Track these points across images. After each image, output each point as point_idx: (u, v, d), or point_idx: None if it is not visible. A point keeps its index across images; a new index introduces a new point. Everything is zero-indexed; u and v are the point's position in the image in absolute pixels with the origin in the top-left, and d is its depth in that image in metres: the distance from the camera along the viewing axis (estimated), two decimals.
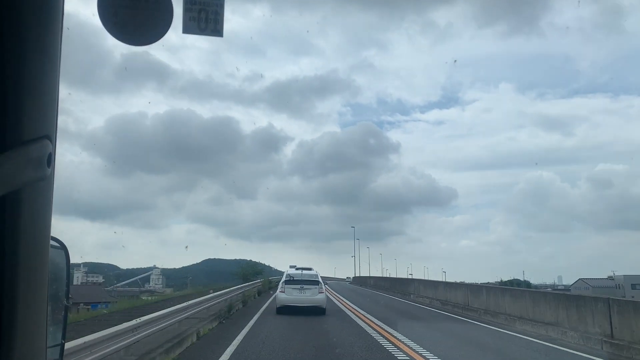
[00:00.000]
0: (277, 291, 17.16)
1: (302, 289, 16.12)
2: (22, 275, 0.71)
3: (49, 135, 0.75)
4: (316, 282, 16.52)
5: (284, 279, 17.06)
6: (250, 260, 47.59)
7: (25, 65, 0.71)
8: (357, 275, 78.57)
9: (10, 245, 0.69)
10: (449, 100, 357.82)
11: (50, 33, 0.76)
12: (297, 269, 17.78)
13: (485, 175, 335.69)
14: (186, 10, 2.82)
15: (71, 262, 1.08)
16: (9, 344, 0.68)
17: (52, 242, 0.85)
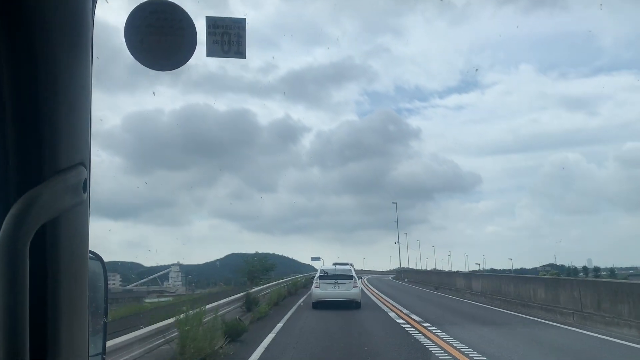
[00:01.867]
0: (312, 287, 17.98)
1: (336, 283, 16.74)
2: (64, 294, 0.75)
3: (83, 162, 0.79)
4: (350, 277, 17.15)
5: (318, 274, 17.87)
6: (258, 253, 39.04)
7: (59, 95, 0.75)
8: (400, 266, 69.28)
9: (52, 268, 0.74)
10: (468, 84, 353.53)
11: (81, 61, 0.79)
12: (334, 264, 19.23)
13: (509, 159, 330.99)
14: (209, 34, 2.89)
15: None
16: (53, 355, 0.72)
17: (90, 256, 0.90)
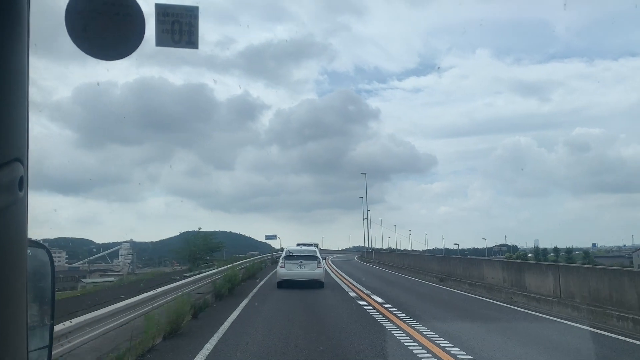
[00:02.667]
0: (278, 266, 18.60)
1: (301, 264, 17.49)
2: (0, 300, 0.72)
3: (19, 158, 0.74)
4: (315, 258, 17.92)
5: (283, 254, 18.46)
6: (201, 231, 33.28)
7: None
8: (367, 245, 65.25)
9: None
10: (426, 67, 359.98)
11: (15, 46, 0.74)
12: (298, 245, 19.42)
13: (463, 142, 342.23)
14: (159, 22, 2.74)
15: (40, 239, 1.10)
16: None
17: (34, 248, 0.86)
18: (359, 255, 68.15)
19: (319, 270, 17.75)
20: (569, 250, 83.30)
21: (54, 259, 1.07)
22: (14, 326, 0.75)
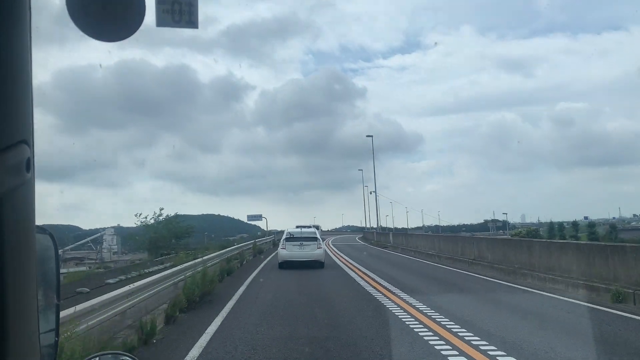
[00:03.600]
0: (279, 248, 19.36)
1: (301, 245, 18.38)
2: (10, 277, 0.73)
3: (26, 140, 0.75)
4: (315, 239, 18.85)
5: (284, 236, 19.21)
6: (175, 215, 30.07)
7: None
8: (367, 225, 62.08)
9: None
10: (410, 45, 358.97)
11: (18, 34, 0.75)
12: (298, 227, 20.42)
13: (449, 120, 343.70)
14: (159, 2, 2.68)
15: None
16: (1, 337, 0.71)
17: (39, 231, 0.88)
18: (360, 235, 63.21)
19: (319, 251, 18.54)
20: (591, 224, 71.82)
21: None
22: (26, 309, 0.77)
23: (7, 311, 0.72)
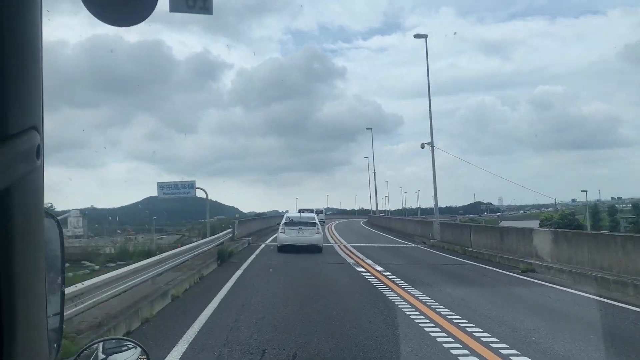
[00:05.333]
0: (278, 232, 19.96)
1: (300, 230, 18.87)
2: (20, 262, 0.73)
3: (35, 126, 0.75)
4: (313, 224, 19.38)
5: (283, 221, 19.75)
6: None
7: (4, 55, 0.69)
8: (372, 209, 59.18)
9: (5, 238, 0.71)
10: (390, 26, 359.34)
11: (28, 13, 0.74)
12: (300, 211, 22.03)
13: (427, 102, 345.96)
14: None
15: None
16: (10, 323, 0.72)
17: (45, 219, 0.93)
18: (365, 219, 60.30)
19: (317, 236, 19.06)
20: (612, 209, 62.44)
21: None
22: (35, 292, 0.78)
23: (17, 296, 0.72)
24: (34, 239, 0.77)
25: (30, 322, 0.77)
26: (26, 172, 0.73)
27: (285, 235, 18.81)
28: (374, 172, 54.47)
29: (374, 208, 61.04)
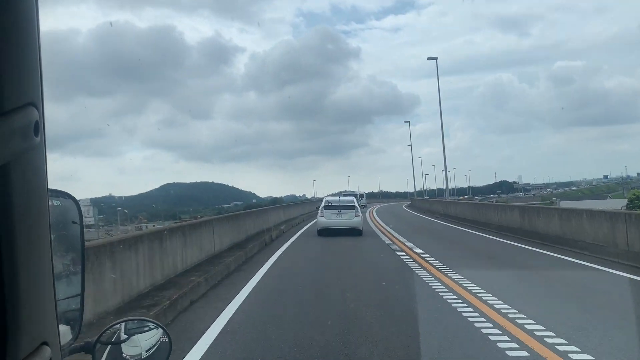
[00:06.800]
0: (318, 216, 19.82)
1: (339, 213, 18.99)
2: (22, 245, 0.71)
3: (33, 102, 0.73)
4: (353, 207, 19.38)
5: (322, 204, 19.87)
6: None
7: None
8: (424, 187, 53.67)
9: (7, 218, 0.69)
10: (404, 4, 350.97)
11: None
12: (341, 193, 22.55)
13: (444, 81, 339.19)
14: None
15: None
16: (15, 308, 0.70)
17: (61, 198, 1.03)
18: (408, 203, 54.44)
19: (357, 219, 19.03)
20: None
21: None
22: (41, 274, 0.77)
23: (21, 277, 0.71)
24: (38, 219, 0.76)
25: (37, 303, 0.76)
26: (23, 150, 0.71)
27: (325, 219, 18.99)
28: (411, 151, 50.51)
29: (414, 189, 56.62)
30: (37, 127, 0.72)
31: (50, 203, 0.80)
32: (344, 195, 27.80)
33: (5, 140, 0.65)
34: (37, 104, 0.73)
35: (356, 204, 19.95)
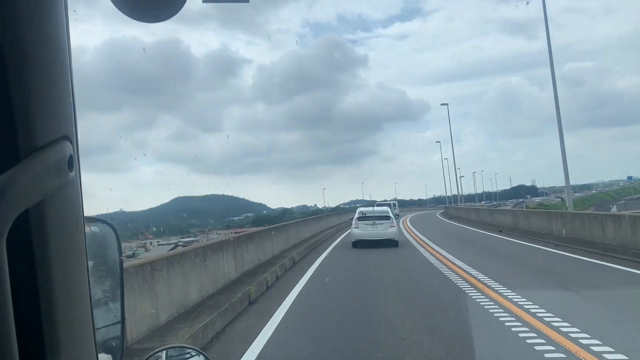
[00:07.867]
0: (352, 227, 19.57)
1: (374, 224, 18.58)
2: (58, 282, 0.70)
3: (67, 136, 0.71)
4: (387, 217, 19.00)
5: (356, 215, 19.49)
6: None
7: (30, 61, 0.65)
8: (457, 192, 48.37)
9: (40, 256, 0.67)
10: (410, 12, 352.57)
11: (54, 20, 0.70)
12: (374, 203, 22.53)
13: (454, 87, 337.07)
14: None
15: None
16: (52, 343, 0.69)
17: (99, 224, 1.01)
18: (442, 211, 51.68)
19: (392, 230, 18.70)
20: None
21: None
22: (79, 305, 0.76)
23: (57, 307, 0.70)
24: (74, 253, 0.75)
25: (76, 331, 0.75)
26: (59, 186, 0.69)
27: (360, 230, 18.66)
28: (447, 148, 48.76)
29: (449, 194, 53.12)
30: (72, 161, 0.71)
31: (87, 229, 0.80)
32: (378, 205, 29.05)
33: (39, 178, 0.64)
34: (70, 136, 0.71)
35: (391, 214, 19.72)
